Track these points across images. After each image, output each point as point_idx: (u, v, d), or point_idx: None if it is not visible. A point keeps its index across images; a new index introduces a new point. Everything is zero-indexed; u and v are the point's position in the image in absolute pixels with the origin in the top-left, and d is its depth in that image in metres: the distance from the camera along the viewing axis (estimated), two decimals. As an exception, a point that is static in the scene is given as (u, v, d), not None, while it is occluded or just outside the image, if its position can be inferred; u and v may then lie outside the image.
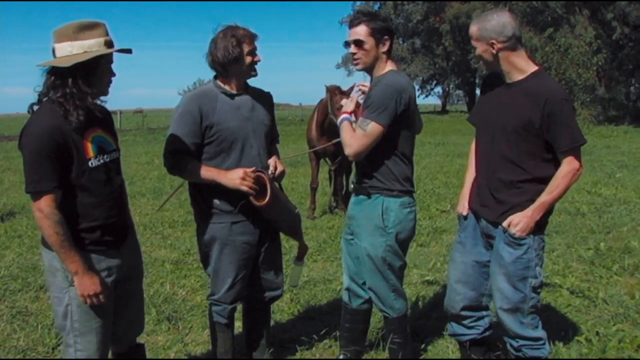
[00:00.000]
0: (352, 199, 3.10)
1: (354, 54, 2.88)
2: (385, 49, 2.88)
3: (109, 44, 2.32)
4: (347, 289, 3.20)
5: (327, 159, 7.87)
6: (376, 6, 38.87)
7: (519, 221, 2.66)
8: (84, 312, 2.39)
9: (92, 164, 2.35)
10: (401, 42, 42.46)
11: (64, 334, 2.46)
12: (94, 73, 2.30)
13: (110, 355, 2.66)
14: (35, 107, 2.34)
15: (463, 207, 2.97)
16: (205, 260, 3.10)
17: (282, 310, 4.19)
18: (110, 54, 2.35)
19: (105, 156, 2.42)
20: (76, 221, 2.33)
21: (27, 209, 8.41)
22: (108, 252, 2.43)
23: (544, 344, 2.81)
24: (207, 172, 2.86)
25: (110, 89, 2.44)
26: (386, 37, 2.87)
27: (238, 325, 3.49)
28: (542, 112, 2.57)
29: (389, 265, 2.96)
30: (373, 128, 2.78)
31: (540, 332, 2.81)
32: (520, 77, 2.68)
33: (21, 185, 10.94)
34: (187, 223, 7.10)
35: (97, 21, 2.32)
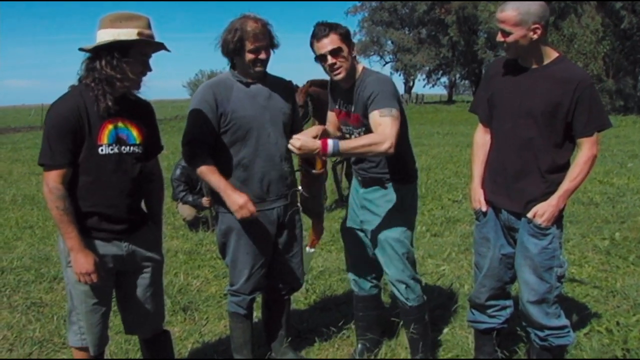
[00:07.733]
0: (368, 191, 3.02)
1: (332, 64, 2.73)
2: (354, 52, 2.83)
3: (143, 35, 2.33)
4: (355, 278, 3.23)
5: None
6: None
7: (544, 211, 2.61)
8: (78, 292, 2.47)
9: (102, 150, 2.38)
10: (407, 33, 42.27)
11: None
12: (122, 59, 2.31)
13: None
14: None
15: (480, 203, 2.86)
16: (223, 250, 3.07)
17: (298, 301, 4.15)
18: (141, 45, 2.34)
19: (122, 147, 2.44)
20: (75, 203, 2.37)
21: (37, 199, 8.42)
22: (107, 239, 2.46)
23: (568, 332, 2.78)
24: (216, 182, 2.82)
25: (142, 84, 2.44)
26: (353, 41, 2.83)
27: (256, 315, 3.48)
28: (572, 96, 2.51)
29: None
30: (396, 113, 2.64)
31: (564, 321, 2.79)
32: (545, 62, 2.60)
33: (30, 177, 11.01)
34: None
35: (138, 14, 2.38)
